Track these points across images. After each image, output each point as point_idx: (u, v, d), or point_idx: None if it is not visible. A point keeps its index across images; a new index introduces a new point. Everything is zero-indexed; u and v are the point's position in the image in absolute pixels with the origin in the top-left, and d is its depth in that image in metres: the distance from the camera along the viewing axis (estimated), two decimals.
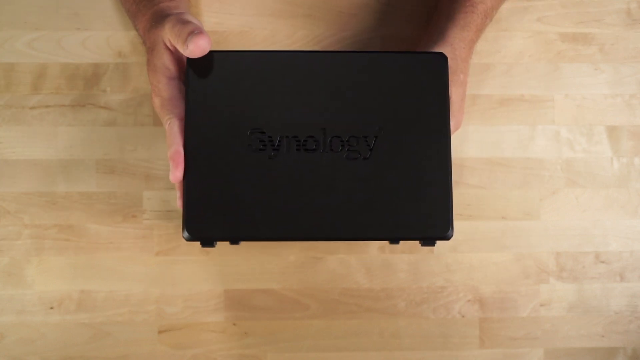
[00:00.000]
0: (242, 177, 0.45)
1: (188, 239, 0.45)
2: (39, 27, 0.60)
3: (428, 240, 0.45)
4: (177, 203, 0.48)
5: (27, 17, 0.60)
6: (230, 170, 0.45)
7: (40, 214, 0.59)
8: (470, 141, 0.60)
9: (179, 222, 0.59)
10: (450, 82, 0.50)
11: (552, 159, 0.61)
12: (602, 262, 0.61)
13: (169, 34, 0.48)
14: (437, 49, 0.51)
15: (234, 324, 0.59)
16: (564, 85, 0.61)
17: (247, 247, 0.59)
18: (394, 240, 0.47)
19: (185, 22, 0.47)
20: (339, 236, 0.44)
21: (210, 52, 0.47)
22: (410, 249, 0.60)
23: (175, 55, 0.50)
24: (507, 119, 0.61)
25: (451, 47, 0.52)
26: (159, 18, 0.50)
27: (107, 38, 0.60)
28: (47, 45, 0.59)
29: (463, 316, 0.60)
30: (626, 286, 0.61)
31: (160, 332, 0.59)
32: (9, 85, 0.59)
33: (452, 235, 0.45)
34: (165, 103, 0.49)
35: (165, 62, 0.50)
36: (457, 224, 0.59)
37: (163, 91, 0.49)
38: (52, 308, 0.59)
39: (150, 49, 0.51)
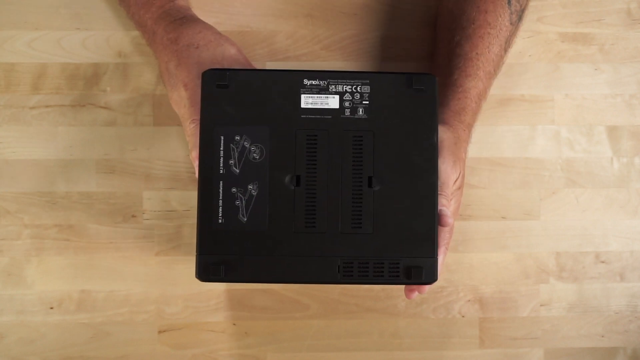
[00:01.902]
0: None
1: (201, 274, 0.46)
2: (39, 27, 0.59)
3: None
4: (191, 155, 0.50)
5: (27, 17, 0.59)
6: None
7: (40, 214, 0.59)
8: (471, 141, 0.60)
9: (179, 222, 0.59)
10: (453, 162, 0.50)
11: (552, 159, 0.61)
12: (602, 262, 0.61)
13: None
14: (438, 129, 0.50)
15: (234, 324, 0.59)
16: (564, 85, 0.61)
17: None
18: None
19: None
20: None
21: (223, 70, 0.47)
22: None
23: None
24: (507, 119, 0.61)
25: (450, 128, 0.52)
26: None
27: (107, 38, 0.60)
28: (47, 45, 0.59)
29: (463, 316, 0.60)
30: (626, 286, 0.61)
31: (160, 332, 0.59)
32: (9, 85, 0.59)
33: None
34: (198, 101, 0.48)
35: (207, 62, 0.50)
36: (457, 223, 0.59)
37: (198, 87, 0.48)
38: (52, 308, 0.59)
39: (175, 41, 0.51)
